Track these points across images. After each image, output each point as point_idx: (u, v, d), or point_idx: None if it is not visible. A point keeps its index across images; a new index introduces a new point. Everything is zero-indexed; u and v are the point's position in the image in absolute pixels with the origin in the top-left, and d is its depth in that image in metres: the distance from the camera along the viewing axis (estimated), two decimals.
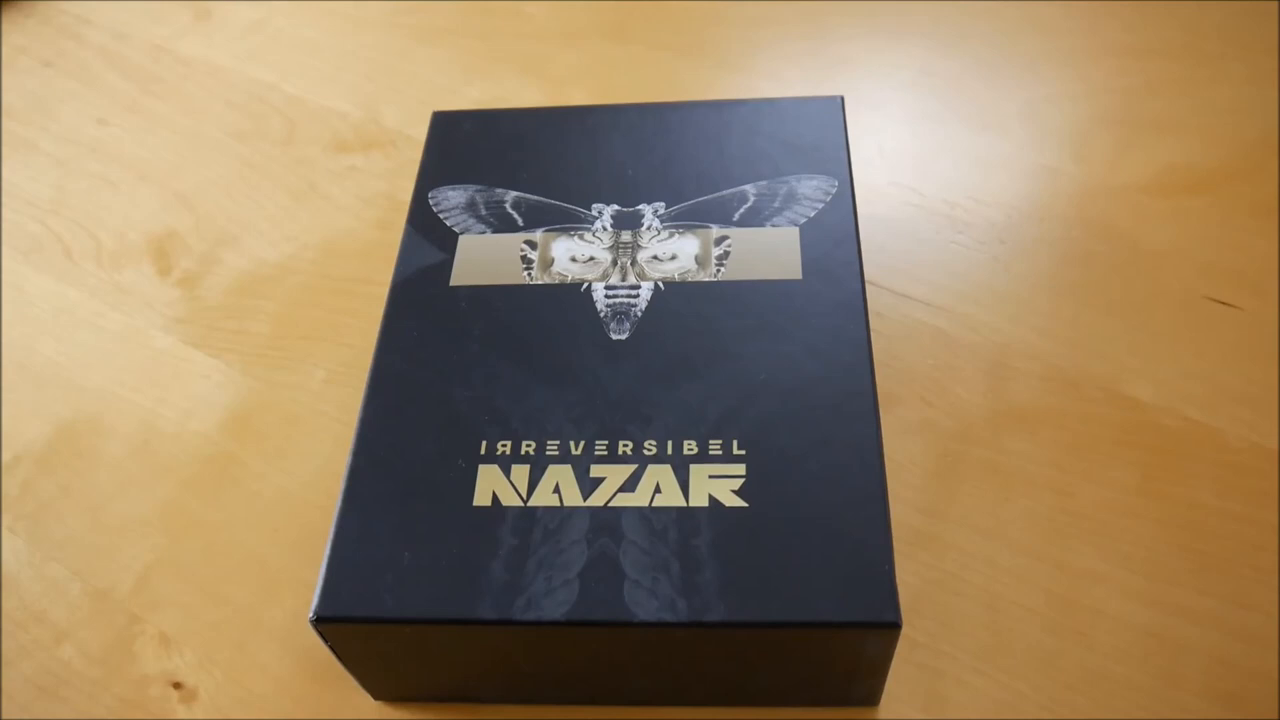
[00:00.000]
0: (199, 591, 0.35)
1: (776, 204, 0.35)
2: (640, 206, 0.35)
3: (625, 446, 0.29)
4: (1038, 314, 0.40)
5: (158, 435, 0.39)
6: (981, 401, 0.37)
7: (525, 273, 0.34)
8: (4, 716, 0.33)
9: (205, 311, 0.44)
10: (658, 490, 0.28)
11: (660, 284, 0.33)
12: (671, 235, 0.34)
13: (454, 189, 0.37)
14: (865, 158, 0.47)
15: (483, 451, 0.29)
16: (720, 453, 0.29)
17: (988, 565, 0.33)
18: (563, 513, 0.28)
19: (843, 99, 0.38)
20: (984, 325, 0.40)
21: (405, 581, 0.27)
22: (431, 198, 0.37)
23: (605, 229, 0.35)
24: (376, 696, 0.32)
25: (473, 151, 0.38)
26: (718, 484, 0.28)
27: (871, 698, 0.30)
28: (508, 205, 0.36)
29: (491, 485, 0.29)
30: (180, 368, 0.42)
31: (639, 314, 0.32)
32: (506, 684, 0.30)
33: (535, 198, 0.36)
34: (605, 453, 0.29)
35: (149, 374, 0.42)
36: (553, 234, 0.35)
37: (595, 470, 0.29)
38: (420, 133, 0.50)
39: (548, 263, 0.34)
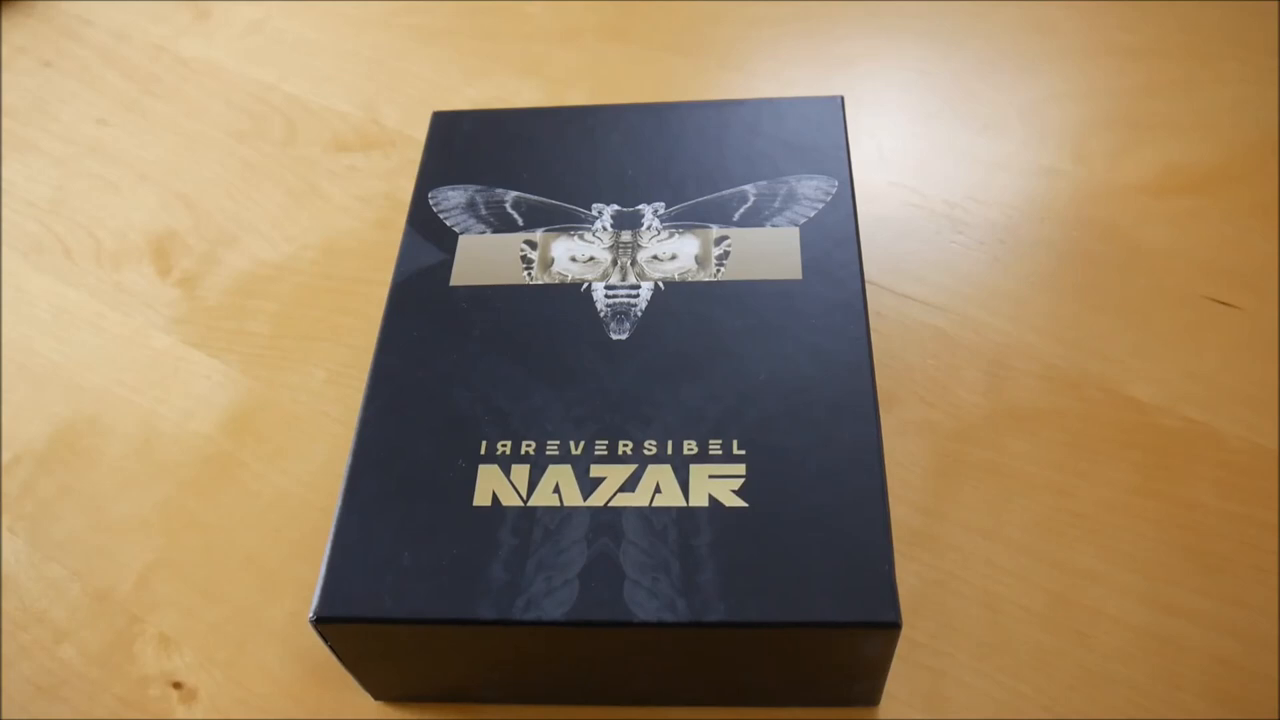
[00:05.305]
0: (199, 591, 0.35)
1: (776, 204, 0.35)
2: (640, 206, 0.35)
3: (625, 446, 0.29)
4: (1038, 314, 0.40)
5: (158, 435, 0.39)
6: (981, 401, 0.37)
7: (525, 273, 0.34)
8: (4, 716, 0.33)
9: (205, 311, 0.44)
10: (658, 490, 0.28)
11: (660, 284, 0.33)
12: (671, 235, 0.34)
13: (454, 189, 0.37)
14: (865, 158, 0.47)
15: (483, 451, 0.29)
16: (720, 453, 0.29)
17: (988, 565, 0.33)
18: (563, 513, 0.28)
19: (843, 99, 0.38)
20: (984, 325, 0.40)
21: (405, 581, 0.27)
22: (431, 198, 0.37)
23: (605, 229, 0.35)
24: (376, 696, 0.32)
25: (473, 151, 0.38)
26: (718, 484, 0.28)
27: (871, 698, 0.30)
28: (508, 205, 0.36)
29: (491, 485, 0.29)
30: (180, 368, 0.42)
31: (639, 314, 0.32)
32: (506, 684, 0.30)
33: (535, 198, 0.36)
34: (605, 453, 0.29)
35: (149, 374, 0.42)
36: (553, 234, 0.35)
37: (595, 470, 0.29)
38: (420, 133, 0.50)
39: (548, 263, 0.34)
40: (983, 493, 0.35)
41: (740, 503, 0.28)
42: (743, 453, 0.29)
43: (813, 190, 0.35)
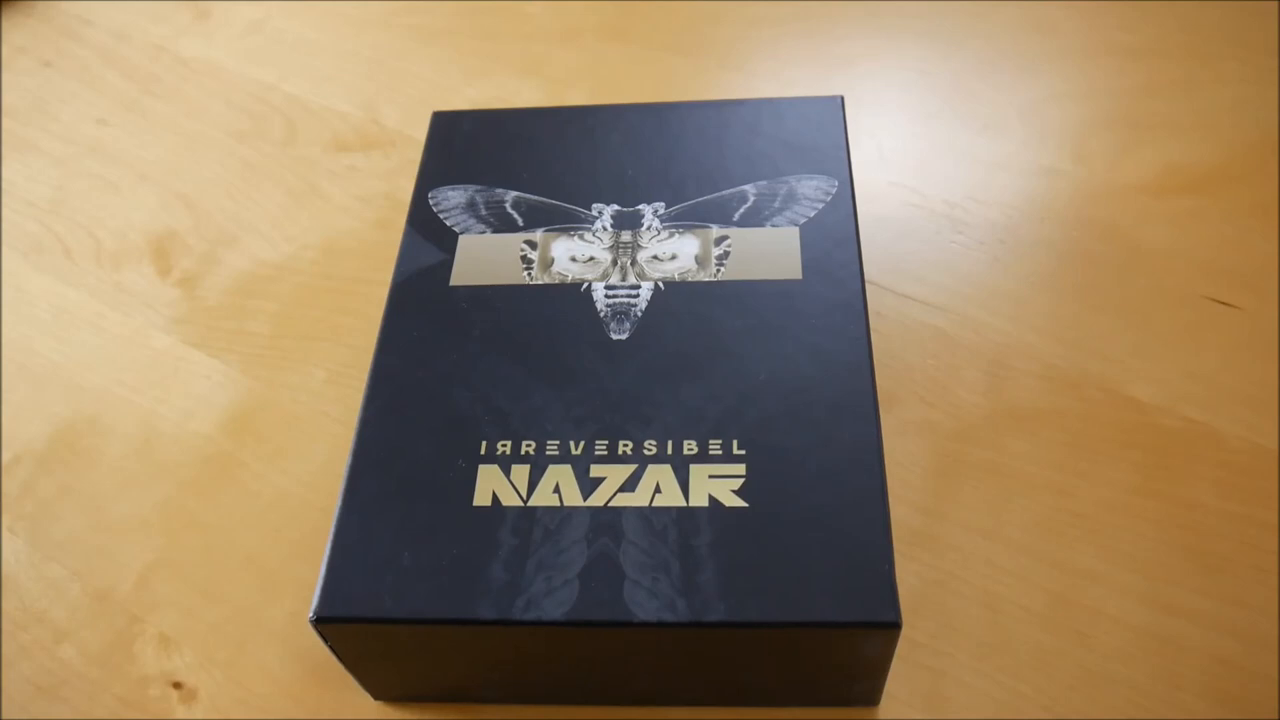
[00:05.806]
0: (199, 591, 0.35)
1: (776, 204, 0.35)
2: (640, 206, 0.35)
3: (625, 446, 0.29)
4: (1038, 314, 0.40)
5: (158, 435, 0.39)
6: (981, 401, 0.37)
7: (525, 273, 0.34)
8: (4, 716, 0.33)
9: (205, 311, 0.44)
10: (658, 490, 0.28)
11: (660, 284, 0.33)
12: (671, 235, 0.34)
13: (454, 189, 0.37)
14: (865, 158, 0.47)
15: (483, 451, 0.29)
16: (720, 453, 0.29)
17: (987, 565, 0.33)
18: (563, 513, 0.28)
19: (843, 99, 0.38)
20: (984, 325, 0.40)
21: (405, 581, 0.27)
22: (431, 198, 0.37)
23: (605, 229, 0.35)
24: (376, 696, 0.32)
25: (473, 151, 0.38)
26: (718, 484, 0.28)
27: (871, 698, 0.30)
28: (508, 205, 0.36)
29: (491, 485, 0.29)
30: (180, 368, 0.42)
31: (639, 314, 0.32)
32: (506, 684, 0.30)
33: (535, 198, 0.36)
34: (605, 453, 0.29)
35: (149, 374, 0.42)
36: (553, 234, 0.35)
37: (595, 470, 0.29)
38: (420, 133, 0.50)
39: (548, 263, 0.34)
40: (983, 493, 0.35)
41: (740, 503, 0.28)
42: (743, 453, 0.29)
43: (813, 190, 0.35)
